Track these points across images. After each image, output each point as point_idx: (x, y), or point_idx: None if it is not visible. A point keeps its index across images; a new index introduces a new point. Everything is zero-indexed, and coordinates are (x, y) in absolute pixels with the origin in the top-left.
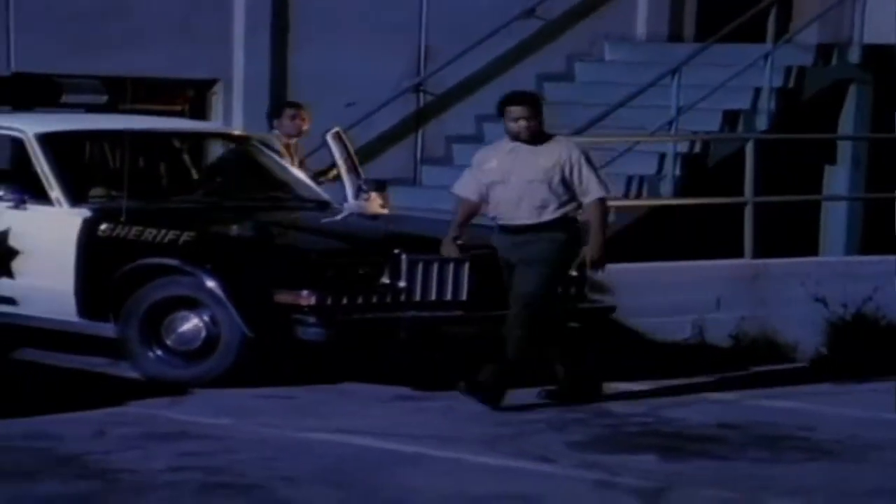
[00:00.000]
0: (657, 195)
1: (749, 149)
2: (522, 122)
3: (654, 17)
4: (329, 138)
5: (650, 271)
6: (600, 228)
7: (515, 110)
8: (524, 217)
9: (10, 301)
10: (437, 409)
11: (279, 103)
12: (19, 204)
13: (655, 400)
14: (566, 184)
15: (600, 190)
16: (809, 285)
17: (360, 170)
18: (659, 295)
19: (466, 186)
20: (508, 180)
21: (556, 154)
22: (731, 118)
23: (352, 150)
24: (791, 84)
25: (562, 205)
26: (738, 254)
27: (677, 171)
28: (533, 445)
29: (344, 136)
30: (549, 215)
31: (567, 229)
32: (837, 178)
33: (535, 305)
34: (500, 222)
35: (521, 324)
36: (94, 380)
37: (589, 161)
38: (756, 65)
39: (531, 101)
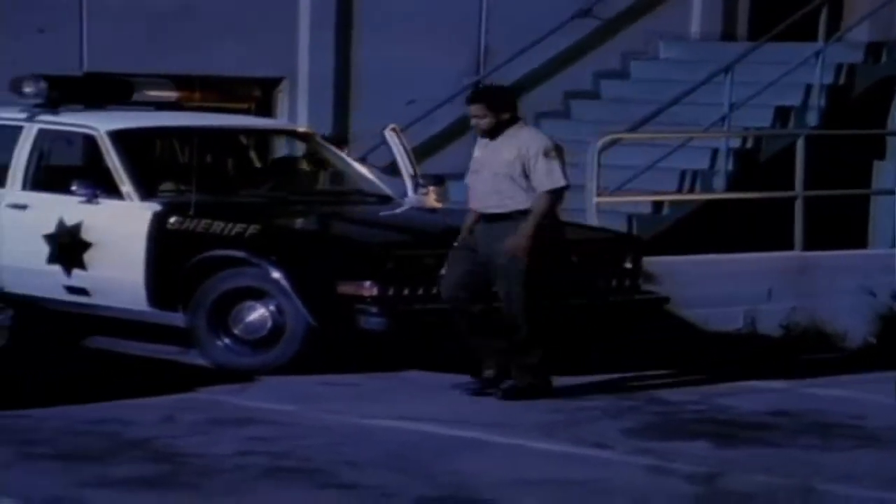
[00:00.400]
0: (710, 189)
1: (800, 144)
2: (475, 120)
3: (707, 17)
4: (387, 134)
5: (703, 263)
6: (531, 218)
7: (470, 109)
8: (493, 206)
9: (82, 292)
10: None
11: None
12: (92, 198)
13: (708, 388)
14: (528, 176)
15: (546, 183)
16: (858, 277)
17: (415, 165)
18: (712, 286)
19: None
20: (481, 171)
21: (516, 147)
22: (782, 114)
23: (407, 147)
24: (841, 81)
25: (531, 197)
26: (789, 246)
27: (730, 166)
28: (589, 432)
29: (399, 134)
30: (518, 205)
31: None
32: (886, 173)
33: (528, 308)
34: (478, 210)
35: (526, 321)
36: (164, 367)
37: (548, 154)
38: (807, 62)
39: (483, 99)
